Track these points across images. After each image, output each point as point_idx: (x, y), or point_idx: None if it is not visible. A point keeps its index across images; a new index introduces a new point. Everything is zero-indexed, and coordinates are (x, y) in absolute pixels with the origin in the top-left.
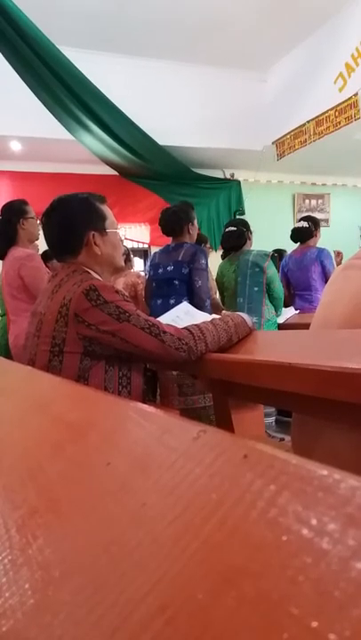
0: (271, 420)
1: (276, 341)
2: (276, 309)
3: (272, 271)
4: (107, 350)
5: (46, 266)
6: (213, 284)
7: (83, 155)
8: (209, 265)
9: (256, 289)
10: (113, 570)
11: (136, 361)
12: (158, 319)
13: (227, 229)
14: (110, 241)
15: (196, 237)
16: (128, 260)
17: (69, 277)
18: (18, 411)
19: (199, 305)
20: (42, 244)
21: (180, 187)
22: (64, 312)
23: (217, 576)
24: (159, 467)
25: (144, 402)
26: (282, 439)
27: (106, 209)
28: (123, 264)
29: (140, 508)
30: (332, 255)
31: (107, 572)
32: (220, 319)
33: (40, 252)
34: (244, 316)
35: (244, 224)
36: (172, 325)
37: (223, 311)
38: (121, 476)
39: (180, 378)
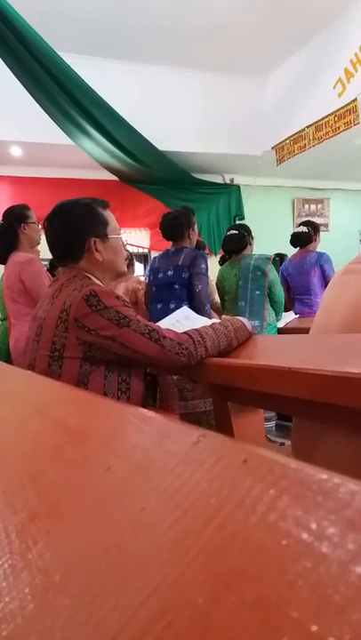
0: (272, 424)
1: (276, 346)
2: (277, 313)
3: (274, 275)
4: (106, 355)
5: (52, 274)
6: (213, 289)
7: (83, 160)
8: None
9: (258, 292)
10: (113, 574)
11: (136, 366)
12: (158, 324)
13: (228, 233)
14: (112, 247)
15: (195, 242)
16: (130, 265)
17: (70, 282)
18: (18, 415)
19: (199, 309)
20: (44, 249)
21: (179, 192)
22: (64, 317)
23: (217, 580)
24: (159, 471)
25: (144, 407)
26: (282, 444)
27: (108, 214)
28: (125, 269)
29: (140, 513)
30: (332, 259)
31: (106, 576)
32: (219, 324)
33: (41, 256)
34: (244, 320)
35: (246, 229)
36: (171, 330)
37: (223, 315)
38: (121, 480)
39: (181, 382)
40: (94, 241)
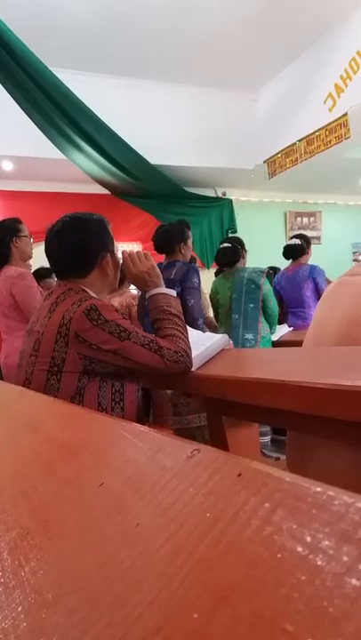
0: (267, 439)
1: (270, 359)
2: (271, 326)
3: (267, 288)
4: (107, 368)
5: (39, 284)
6: (207, 303)
7: (75, 174)
8: (201, 282)
9: (252, 305)
10: (107, 591)
11: (129, 377)
12: None
13: (221, 246)
14: (116, 263)
15: (189, 256)
16: (125, 279)
17: (66, 296)
18: (9, 430)
19: (192, 324)
20: (35, 263)
21: (172, 205)
22: (64, 332)
23: (212, 595)
24: (153, 486)
25: (139, 419)
26: (277, 458)
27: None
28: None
29: (134, 528)
30: (325, 272)
31: (100, 593)
32: (167, 318)
33: (33, 269)
34: (156, 291)
35: (239, 241)
36: (165, 339)
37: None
38: (114, 495)
39: (175, 397)
40: (106, 256)
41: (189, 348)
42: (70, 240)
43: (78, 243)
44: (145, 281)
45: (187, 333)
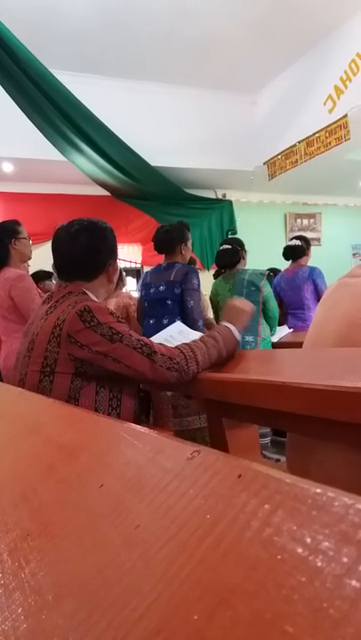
0: (267, 440)
1: (270, 360)
2: (271, 328)
3: (268, 290)
4: (98, 371)
5: (37, 286)
6: (207, 304)
7: (75, 176)
8: (201, 284)
9: None
10: (107, 593)
11: (128, 383)
12: (151, 339)
13: (221, 247)
14: (117, 270)
15: (188, 258)
16: (120, 280)
17: (65, 299)
18: (9, 433)
19: (192, 325)
20: (34, 264)
21: (172, 207)
22: (57, 333)
23: (212, 597)
24: (153, 488)
25: (136, 424)
26: (277, 460)
27: None
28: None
29: (134, 530)
30: (325, 273)
31: (100, 595)
32: (208, 335)
33: (31, 271)
34: (231, 326)
35: (239, 243)
36: (163, 345)
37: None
38: (114, 497)
39: (175, 399)
40: (112, 264)
41: (187, 360)
42: (86, 243)
43: (93, 247)
44: (243, 322)
45: (210, 354)
